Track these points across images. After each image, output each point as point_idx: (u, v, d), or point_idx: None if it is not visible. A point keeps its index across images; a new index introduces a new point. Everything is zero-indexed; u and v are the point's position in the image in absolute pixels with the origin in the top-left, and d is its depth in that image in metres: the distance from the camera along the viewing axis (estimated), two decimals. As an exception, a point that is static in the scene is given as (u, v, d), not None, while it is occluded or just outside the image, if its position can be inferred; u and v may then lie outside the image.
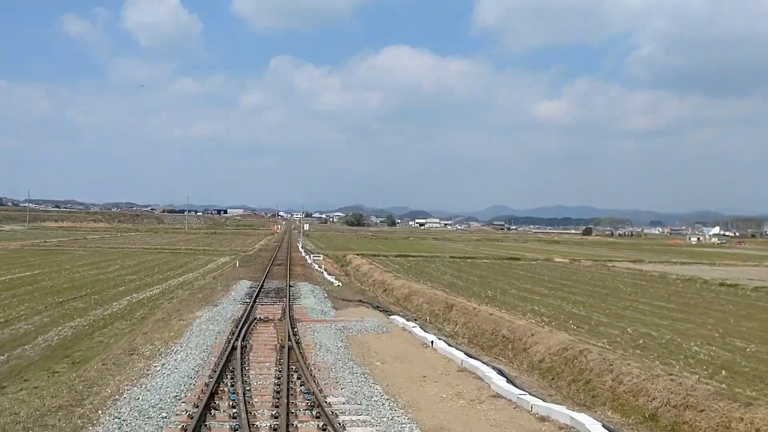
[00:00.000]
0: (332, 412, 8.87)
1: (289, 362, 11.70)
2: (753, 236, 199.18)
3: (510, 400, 10.02)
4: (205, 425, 8.38)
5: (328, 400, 9.60)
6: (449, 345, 14.50)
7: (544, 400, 9.98)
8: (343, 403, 9.60)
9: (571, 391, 13.36)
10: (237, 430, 8.15)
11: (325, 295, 25.24)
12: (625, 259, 65.03)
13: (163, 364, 11.78)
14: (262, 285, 27.50)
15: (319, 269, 39.43)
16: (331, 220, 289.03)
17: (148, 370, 11.34)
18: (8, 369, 14.42)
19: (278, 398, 9.45)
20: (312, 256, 51.19)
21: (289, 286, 27.01)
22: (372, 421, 8.79)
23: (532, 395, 10.21)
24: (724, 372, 13.58)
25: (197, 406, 8.87)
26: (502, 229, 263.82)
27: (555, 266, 52.05)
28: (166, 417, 8.61)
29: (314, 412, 8.98)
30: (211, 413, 8.85)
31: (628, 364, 13.50)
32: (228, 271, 37.19)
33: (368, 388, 10.44)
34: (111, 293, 27.60)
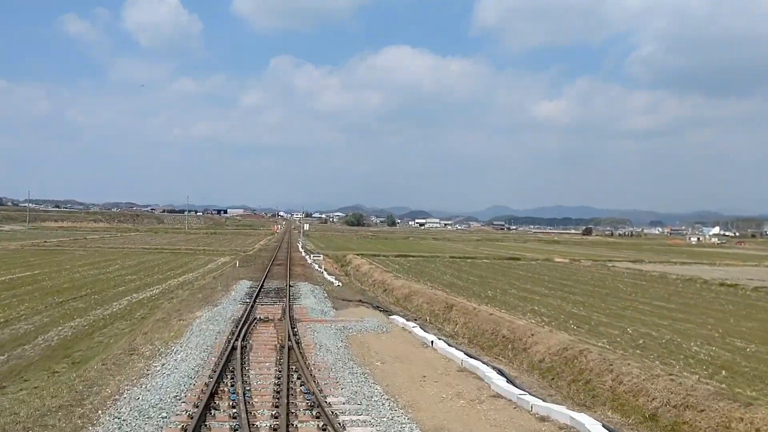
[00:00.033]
0: (332, 412, 8.86)
1: (289, 362, 11.70)
2: (753, 236, 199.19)
3: (510, 400, 10.01)
4: (205, 425, 8.38)
5: (328, 400, 9.60)
6: (449, 345, 14.50)
7: (544, 400, 9.98)
8: (343, 403, 9.60)
9: (571, 391, 13.35)
10: (237, 430, 8.15)
11: (325, 295, 25.24)
12: (625, 259, 65.02)
13: (163, 364, 11.78)
14: (262, 285, 27.50)
15: (319, 269, 39.42)
16: (331, 220, 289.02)
17: (148, 370, 11.34)
18: (8, 369, 14.42)
19: (278, 398, 9.45)
20: (312, 256, 51.18)
21: (289, 286, 27.01)
22: (372, 421, 8.78)
23: (532, 395, 10.21)
24: (724, 372, 13.58)
25: (197, 406, 8.87)
26: (502, 229, 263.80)
27: (555, 266, 52.04)
28: (166, 417, 8.61)
29: (314, 412, 8.97)
30: (211, 413, 8.85)
31: (628, 364, 13.49)
32: (228, 271, 37.19)
33: (368, 388, 10.43)
34: (111, 293, 27.60)
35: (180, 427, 8.19)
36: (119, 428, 8.11)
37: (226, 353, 12.36)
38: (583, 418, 8.87)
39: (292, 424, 8.39)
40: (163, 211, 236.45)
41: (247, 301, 21.78)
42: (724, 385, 12.23)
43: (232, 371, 11.12)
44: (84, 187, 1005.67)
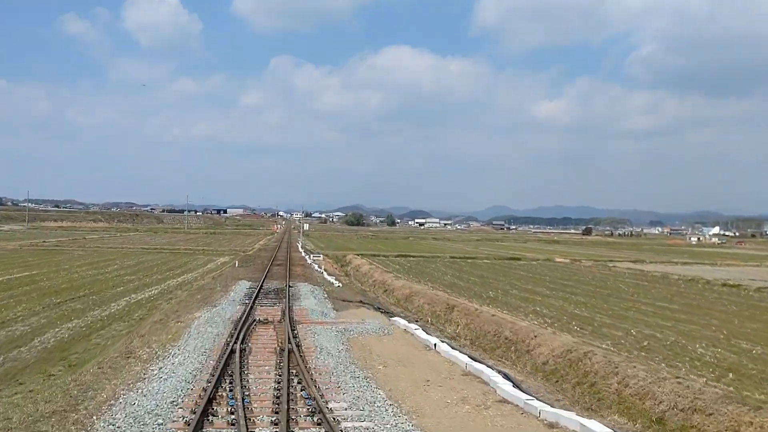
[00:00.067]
0: (334, 419, 8.62)
1: (289, 366, 11.45)
2: (753, 236, 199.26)
3: (517, 405, 9.77)
4: (203, 432, 8.15)
5: (330, 405, 9.35)
6: (453, 348, 14.25)
7: (551, 406, 9.74)
8: (345, 409, 9.36)
9: (576, 394, 13.15)
10: (235, 437, 7.92)
11: (326, 295, 25.02)
12: (625, 259, 64.83)
13: (160, 368, 11.54)
14: (262, 285, 27.30)
15: (319, 269, 39.21)
16: (330, 220, 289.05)
17: (144, 374, 11.10)
18: (3, 372, 14.18)
19: (278, 404, 9.20)
20: (312, 256, 50.98)
21: (289, 286, 26.80)
22: (375, 428, 8.55)
23: (540, 400, 9.97)
24: (731, 375, 13.38)
25: (194, 413, 8.63)
26: (502, 229, 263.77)
27: (556, 266, 51.84)
28: (162, 424, 8.37)
29: (315, 419, 8.74)
30: (208, 419, 8.61)
31: (634, 367, 13.28)
32: (227, 272, 36.98)
33: (371, 393, 10.18)
34: (109, 294, 27.37)
35: (177, 434, 7.96)
36: (114, 436, 7.88)
37: (225, 356, 12.12)
38: (593, 425, 8.63)
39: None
40: (163, 211, 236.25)
41: (247, 302, 21.55)
42: (731, 388, 12.03)
43: (231, 375, 10.87)
44: (84, 187, 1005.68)
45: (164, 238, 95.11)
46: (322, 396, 9.77)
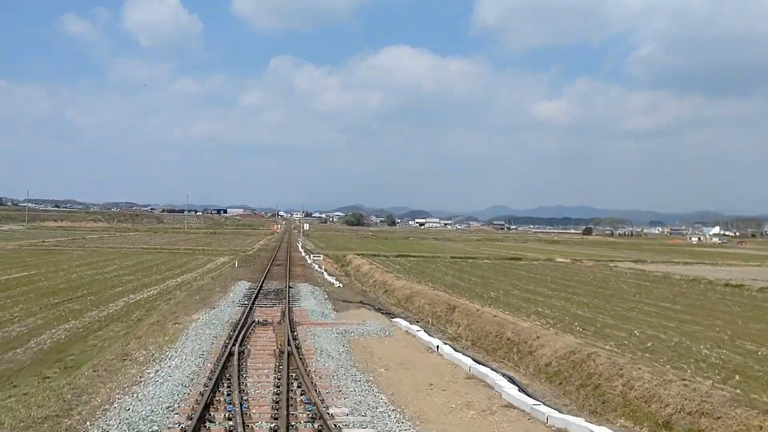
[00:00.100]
0: (335, 425, 8.39)
1: (288, 369, 11.21)
2: (753, 236, 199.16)
3: (523, 410, 9.51)
4: (200, 439, 7.91)
5: (331, 411, 9.10)
6: (456, 350, 13.97)
7: (559, 411, 9.48)
8: (347, 415, 9.10)
9: (580, 397, 12.96)
10: (233, 444, 7.69)
11: (326, 296, 24.80)
12: (626, 259, 64.63)
13: (157, 371, 11.29)
14: (261, 286, 27.07)
15: (319, 270, 39.00)
16: (331, 219, 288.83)
17: (140, 377, 10.86)
18: (-2, 374, 13.95)
19: (277, 409, 8.95)
20: (312, 256, 50.76)
21: (289, 287, 26.56)
22: (377, 434, 8.31)
23: (547, 405, 9.69)
24: (737, 377, 13.19)
25: (191, 419, 8.38)
26: (502, 228, 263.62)
27: (557, 266, 51.64)
28: (157, 430, 8.14)
29: (316, 425, 8.48)
30: (205, 426, 8.37)
31: (639, 369, 13.09)
32: (227, 272, 36.76)
33: (373, 398, 9.92)
34: (108, 294, 27.15)
35: (172, 441, 7.73)
36: (107, 442, 7.65)
37: (223, 359, 11.88)
38: (604, 432, 8.38)
39: (292, 438, 7.93)
40: (163, 211, 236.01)
41: (246, 303, 21.32)
42: (738, 391, 11.85)
43: (229, 379, 10.62)
44: (84, 187, 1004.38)
45: (164, 238, 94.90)
46: (322, 401, 9.52)
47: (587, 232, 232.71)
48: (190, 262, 46.88)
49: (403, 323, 18.25)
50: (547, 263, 55.09)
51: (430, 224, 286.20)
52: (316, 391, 10.02)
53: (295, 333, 15.48)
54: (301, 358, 12.42)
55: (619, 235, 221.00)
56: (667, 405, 11.44)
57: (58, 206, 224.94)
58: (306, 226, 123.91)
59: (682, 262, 63.11)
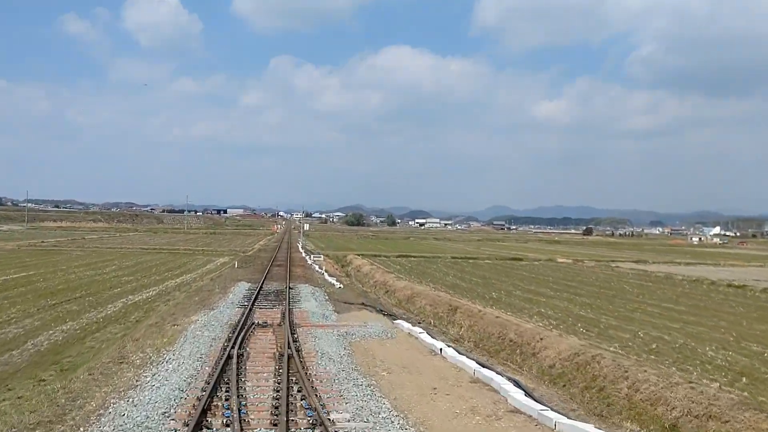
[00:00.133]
0: (336, 432, 8.17)
1: (288, 373, 10.97)
2: (754, 236, 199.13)
3: (530, 416, 9.25)
4: (196, 447, 7.67)
5: (332, 416, 8.85)
6: (459, 353, 13.70)
7: (567, 416, 9.22)
8: (348, 421, 8.86)
9: (585, 399, 12.76)
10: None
11: (326, 297, 24.57)
12: (628, 259, 64.44)
13: (154, 375, 11.03)
14: (261, 287, 26.84)
15: (319, 270, 38.77)
16: (331, 220, 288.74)
17: (137, 381, 10.61)
18: (-6, 377, 13.72)
19: (277, 415, 8.71)
20: (312, 256, 50.56)
21: (289, 288, 26.33)
22: (380, 441, 8.06)
23: (555, 410, 9.43)
24: (744, 379, 13.00)
25: (187, 425, 8.14)
26: (502, 229, 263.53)
27: (558, 267, 51.44)
28: (152, 437, 7.91)
29: (317, 432, 8.26)
30: (202, 432, 8.15)
31: (645, 371, 12.88)
32: (226, 273, 36.53)
33: (375, 403, 9.66)
34: (106, 295, 26.93)
35: (168, 448, 7.49)
36: (101, 450, 7.41)
37: (221, 362, 11.62)
38: (612, 439, 8.14)
39: (292, 445, 7.69)
40: (163, 211, 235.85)
41: (245, 304, 21.09)
42: (746, 393, 11.66)
43: (227, 383, 10.36)
44: (84, 187, 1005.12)
45: (164, 238, 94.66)
46: (323, 406, 9.26)
47: (588, 232, 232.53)
48: (190, 262, 46.65)
49: (406, 325, 18.02)
50: (549, 263, 54.88)
51: (430, 224, 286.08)
52: (316, 395, 9.78)
53: (296, 335, 15.24)
54: (301, 361, 12.17)
55: (620, 235, 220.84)
56: (673, 408, 11.24)
57: (57, 206, 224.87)
58: (306, 227, 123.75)
59: (684, 262, 62.92)
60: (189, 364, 11.94)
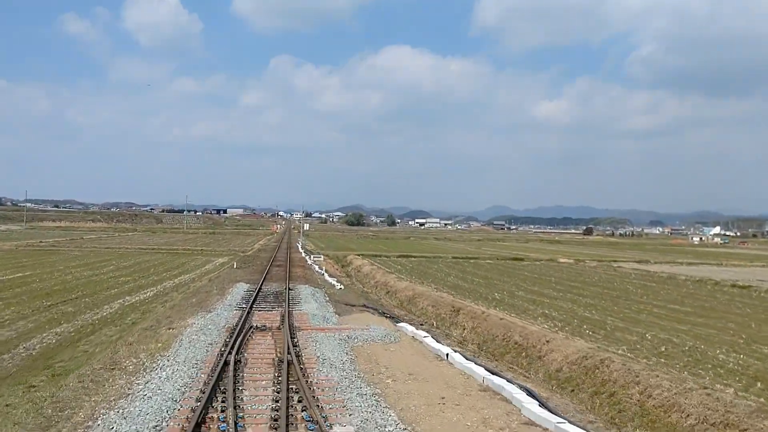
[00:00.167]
0: (338, 446, 7.66)
1: (288, 380, 10.47)
2: (754, 236, 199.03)
3: (546, 429, 8.75)
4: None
5: (335, 430, 8.36)
6: (467, 358, 13.13)
7: (586, 429, 8.71)
8: (352, 434, 8.37)
9: (595, 405, 12.33)
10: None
11: (327, 299, 24.08)
12: (630, 259, 64.02)
13: (146, 383, 10.51)
14: (260, 288, 26.36)
15: (319, 271, 38.32)
16: (331, 220, 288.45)
17: (129, 389, 10.09)
18: (-18, 382, 13.23)
19: (276, 428, 8.22)
20: (312, 256, 50.09)
21: (289, 289, 25.84)
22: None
23: (572, 423, 8.89)
24: (759, 384, 12.58)
25: (180, 439, 7.68)
26: (502, 228, 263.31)
27: (560, 267, 50.98)
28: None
29: (318, 446, 7.76)
30: (196, 447, 7.66)
31: (657, 376, 12.46)
32: (225, 273, 36.06)
33: (380, 414, 9.13)
34: (103, 296, 26.45)
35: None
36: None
37: (218, 370, 11.12)
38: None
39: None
40: (163, 211, 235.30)
41: (244, 306, 20.60)
42: (763, 400, 11.24)
43: (224, 392, 9.86)
44: (83, 187, 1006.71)
45: (163, 238, 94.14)
46: (326, 419, 8.74)
47: (588, 232, 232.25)
48: (189, 262, 46.17)
49: (409, 328, 17.53)
50: (550, 264, 54.42)
51: (431, 224, 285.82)
52: (318, 406, 9.27)
53: (296, 339, 14.74)
54: (301, 368, 11.68)
55: (620, 235, 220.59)
56: (688, 415, 10.82)
57: (57, 206, 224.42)
58: (306, 227, 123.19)
59: (686, 262, 62.53)
60: (184, 371, 11.42)
